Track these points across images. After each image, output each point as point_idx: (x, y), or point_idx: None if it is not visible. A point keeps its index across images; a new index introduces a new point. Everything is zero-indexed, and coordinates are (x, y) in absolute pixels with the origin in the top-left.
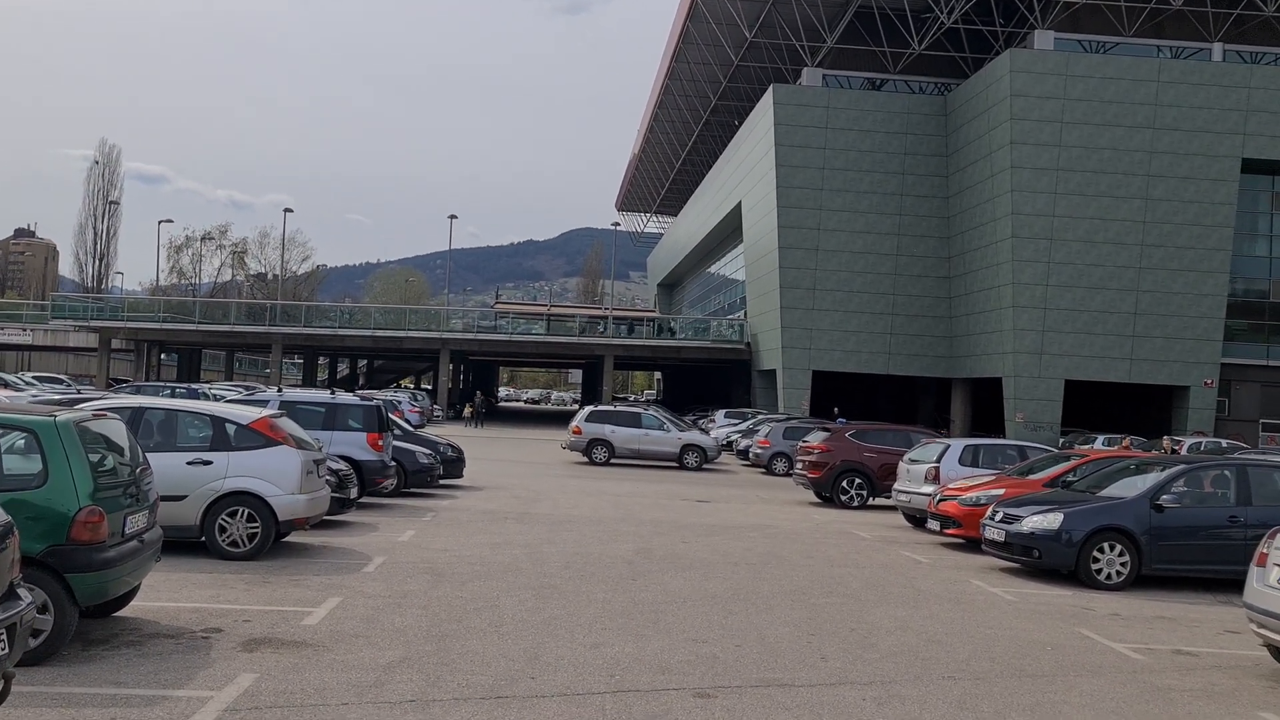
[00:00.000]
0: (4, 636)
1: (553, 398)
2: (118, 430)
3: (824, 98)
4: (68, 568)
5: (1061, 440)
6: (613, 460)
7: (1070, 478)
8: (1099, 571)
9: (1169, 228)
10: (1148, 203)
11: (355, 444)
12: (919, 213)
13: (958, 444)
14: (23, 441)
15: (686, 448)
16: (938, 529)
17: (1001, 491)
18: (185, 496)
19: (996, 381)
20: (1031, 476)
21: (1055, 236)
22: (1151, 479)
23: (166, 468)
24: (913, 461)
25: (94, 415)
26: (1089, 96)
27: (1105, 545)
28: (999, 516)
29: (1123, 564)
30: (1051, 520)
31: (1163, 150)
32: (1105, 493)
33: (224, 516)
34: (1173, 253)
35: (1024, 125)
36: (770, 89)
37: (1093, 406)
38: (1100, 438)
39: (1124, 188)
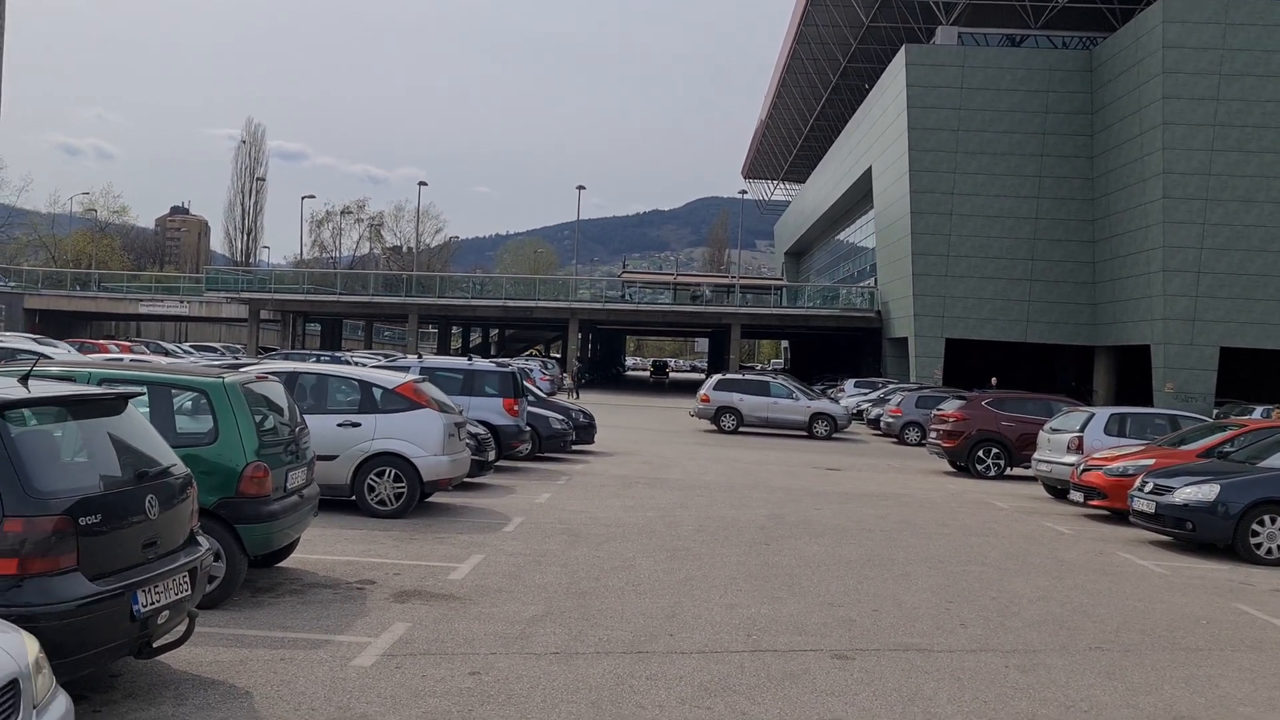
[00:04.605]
0: (187, 578)
1: (671, 365)
2: (278, 392)
3: (959, 57)
4: (237, 519)
5: (1216, 411)
6: (741, 428)
7: (1227, 448)
8: (1258, 546)
9: None
10: None
11: (492, 409)
12: (1060, 174)
13: (1103, 413)
14: (194, 402)
15: (815, 416)
16: (1081, 500)
17: (1151, 462)
18: (336, 457)
19: (1144, 349)
20: (1184, 447)
21: (1211, 197)
22: None
23: (319, 429)
24: (1054, 430)
25: (257, 378)
26: (1251, 46)
27: (1266, 518)
28: (1149, 487)
29: None
30: (1207, 492)
31: None
32: (1266, 464)
33: (372, 476)
34: None
35: (1177, 79)
36: (902, 49)
37: (1250, 376)
38: (1259, 409)
39: None
